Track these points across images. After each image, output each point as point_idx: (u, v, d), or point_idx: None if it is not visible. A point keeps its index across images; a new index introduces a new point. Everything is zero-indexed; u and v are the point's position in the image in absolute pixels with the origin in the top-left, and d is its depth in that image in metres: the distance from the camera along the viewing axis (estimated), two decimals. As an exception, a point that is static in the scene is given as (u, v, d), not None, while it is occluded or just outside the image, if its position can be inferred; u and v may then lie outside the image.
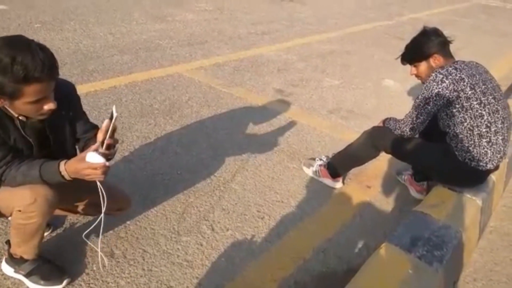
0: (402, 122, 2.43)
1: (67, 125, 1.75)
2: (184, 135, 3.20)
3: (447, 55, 2.43)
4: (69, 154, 1.81)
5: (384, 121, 2.64)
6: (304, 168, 2.93)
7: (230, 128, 3.41)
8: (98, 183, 1.55)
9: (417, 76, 2.53)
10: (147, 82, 4.05)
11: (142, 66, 4.47)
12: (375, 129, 2.63)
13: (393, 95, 4.56)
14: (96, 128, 1.88)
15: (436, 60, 2.41)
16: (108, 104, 3.46)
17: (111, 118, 1.47)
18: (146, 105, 3.58)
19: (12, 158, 1.55)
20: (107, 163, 1.49)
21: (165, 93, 3.87)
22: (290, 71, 4.95)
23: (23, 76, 1.36)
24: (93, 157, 1.46)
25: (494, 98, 2.28)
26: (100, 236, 1.70)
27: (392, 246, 1.97)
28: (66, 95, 1.70)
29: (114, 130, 1.48)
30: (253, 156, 3.03)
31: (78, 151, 1.88)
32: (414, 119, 2.36)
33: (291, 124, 3.61)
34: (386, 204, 2.73)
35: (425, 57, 2.44)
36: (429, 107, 2.30)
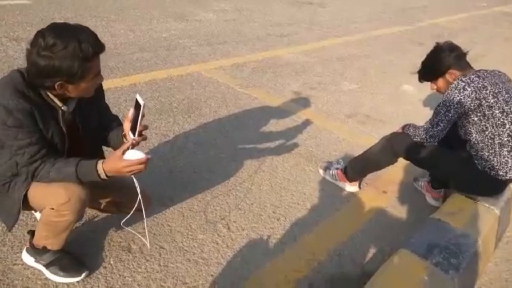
0: (422, 129, 2.41)
1: (95, 114, 1.79)
2: (202, 134, 3.23)
3: (464, 67, 2.39)
4: (95, 145, 1.87)
5: (403, 127, 2.63)
6: (321, 171, 2.93)
7: (248, 128, 3.43)
8: (133, 178, 1.61)
9: (438, 91, 2.52)
10: (167, 81, 4.09)
11: (162, 64, 4.52)
12: (394, 135, 2.62)
13: (411, 100, 4.54)
14: (117, 118, 1.94)
15: (452, 75, 2.38)
16: (128, 101, 3.51)
17: (136, 107, 1.52)
18: (165, 103, 3.62)
19: (47, 152, 1.57)
20: (149, 156, 1.54)
21: (184, 91, 3.91)
22: (309, 74, 4.95)
23: (92, 53, 1.44)
24: (133, 155, 1.51)
25: None
26: (145, 225, 1.89)
27: (408, 252, 1.96)
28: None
29: (143, 117, 1.53)
30: (270, 158, 3.04)
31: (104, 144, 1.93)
32: (435, 126, 2.34)
33: (309, 127, 3.61)
34: (402, 210, 2.71)
35: (441, 74, 2.42)
36: (450, 115, 2.28)
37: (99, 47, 1.48)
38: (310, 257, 2.19)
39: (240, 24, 6.73)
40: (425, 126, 2.41)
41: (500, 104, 2.21)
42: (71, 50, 1.40)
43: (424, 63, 2.53)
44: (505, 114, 2.22)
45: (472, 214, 2.35)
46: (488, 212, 2.40)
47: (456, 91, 2.25)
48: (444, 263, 1.91)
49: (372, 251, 2.31)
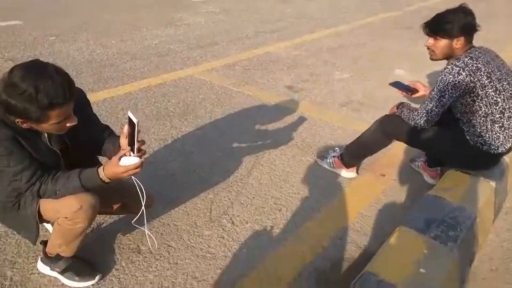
0: (417, 114, 2.41)
1: (82, 130, 1.80)
2: (199, 135, 3.30)
3: (469, 41, 2.37)
4: (90, 157, 1.94)
5: (397, 106, 2.62)
6: (318, 161, 2.99)
7: (243, 126, 3.50)
8: (134, 178, 1.68)
9: (430, 48, 2.45)
10: (161, 86, 4.17)
11: (155, 70, 4.59)
12: (386, 117, 2.66)
13: (404, 84, 4.59)
14: (107, 127, 1.99)
15: (459, 43, 2.33)
16: (125, 109, 3.58)
17: (130, 124, 1.58)
18: (161, 108, 3.69)
19: (42, 172, 1.63)
20: (142, 159, 1.62)
21: (179, 95, 3.98)
22: (300, 67, 5.01)
23: (47, 104, 1.43)
24: (127, 161, 1.59)
25: (508, 83, 2.29)
26: (145, 222, 1.84)
27: (407, 229, 2.02)
28: (77, 102, 1.72)
29: (138, 133, 1.59)
30: (267, 152, 3.11)
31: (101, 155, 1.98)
32: (430, 111, 2.35)
33: (303, 119, 3.67)
34: (401, 191, 2.78)
35: (451, 36, 2.32)
36: (444, 100, 2.30)
37: (59, 99, 1.45)
38: (313, 243, 2.25)
39: (228, 24, 6.80)
40: (420, 111, 2.40)
41: (494, 83, 2.24)
42: (27, 96, 1.40)
43: (440, 16, 2.38)
44: (498, 92, 2.25)
45: (467, 188, 2.41)
46: (484, 184, 2.46)
47: (450, 76, 2.25)
48: (443, 236, 1.98)
49: (373, 233, 2.37)
